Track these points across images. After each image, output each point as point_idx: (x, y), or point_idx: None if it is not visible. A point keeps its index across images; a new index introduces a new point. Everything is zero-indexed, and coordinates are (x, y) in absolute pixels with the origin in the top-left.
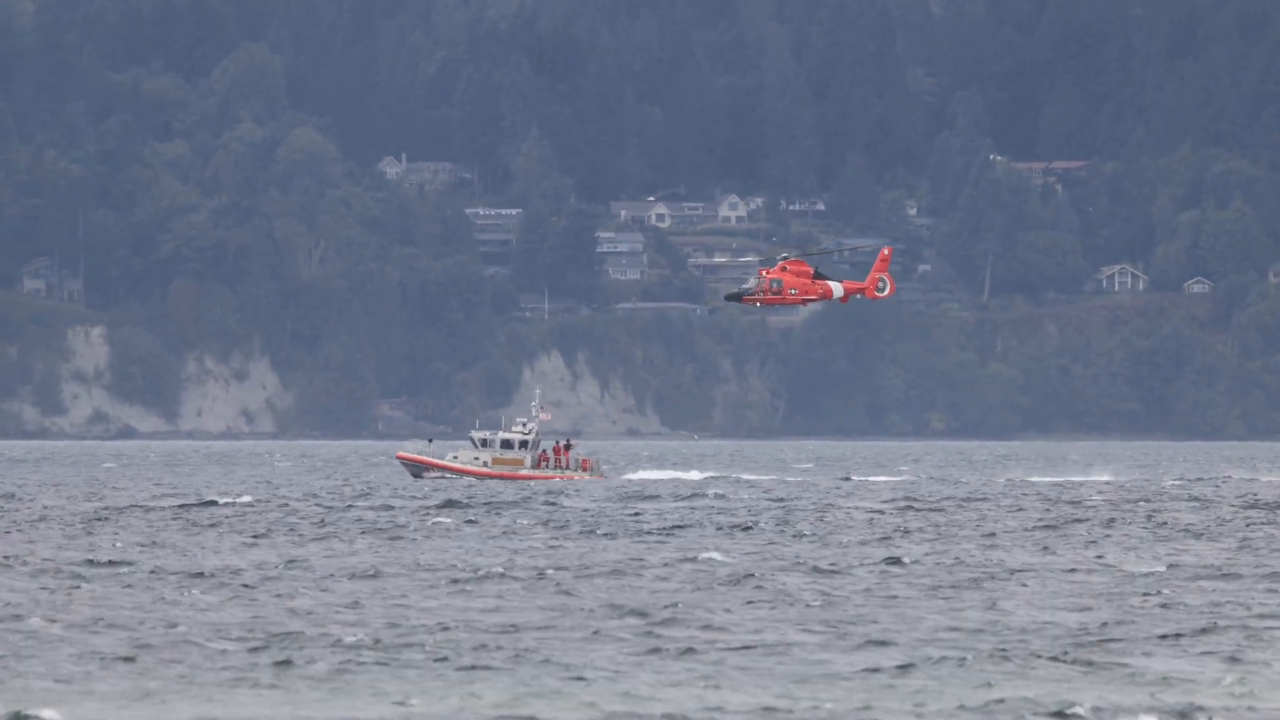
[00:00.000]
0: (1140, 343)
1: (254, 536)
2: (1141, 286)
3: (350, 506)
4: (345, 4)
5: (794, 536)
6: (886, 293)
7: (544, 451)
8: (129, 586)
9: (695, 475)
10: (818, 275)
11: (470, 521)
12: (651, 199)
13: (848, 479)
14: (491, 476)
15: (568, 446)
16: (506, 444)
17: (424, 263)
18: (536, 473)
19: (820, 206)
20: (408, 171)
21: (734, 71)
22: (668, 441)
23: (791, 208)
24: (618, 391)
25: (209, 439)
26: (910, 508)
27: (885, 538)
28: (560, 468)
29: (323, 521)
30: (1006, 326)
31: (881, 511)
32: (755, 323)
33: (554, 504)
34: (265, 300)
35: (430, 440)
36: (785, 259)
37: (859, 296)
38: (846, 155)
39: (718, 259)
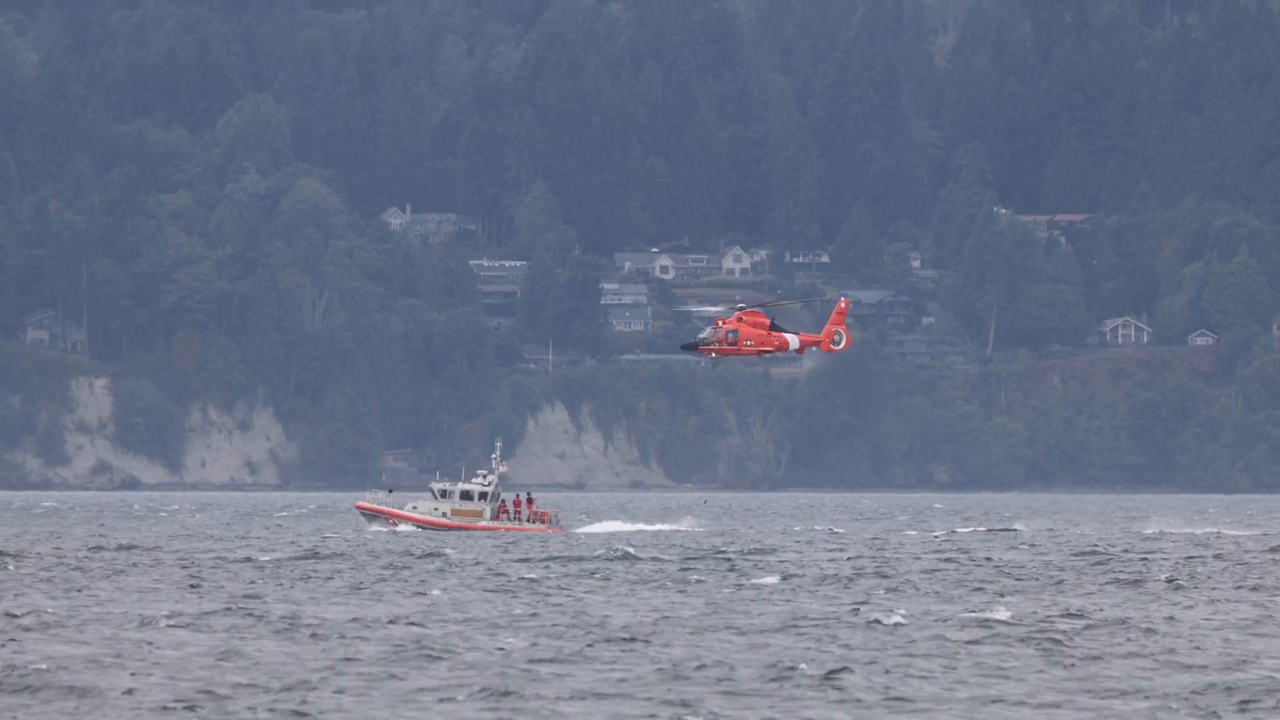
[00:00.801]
0: (1144, 395)
1: None
2: (1145, 339)
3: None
4: (349, 55)
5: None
6: (842, 345)
7: (503, 503)
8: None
9: (663, 527)
10: (774, 327)
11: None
12: (655, 250)
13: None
14: (450, 528)
15: (529, 499)
16: (466, 495)
17: (428, 314)
18: (496, 524)
19: (824, 258)
20: (412, 223)
21: (738, 123)
22: (671, 494)
23: (796, 259)
24: (621, 443)
25: (212, 490)
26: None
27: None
28: (519, 519)
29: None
30: (1010, 379)
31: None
32: (759, 375)
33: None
34: (269, 351)
35: (390, 490)
36: (742, 309)
37: (815, 349)
38: (851, 207)
39: (722, 311)
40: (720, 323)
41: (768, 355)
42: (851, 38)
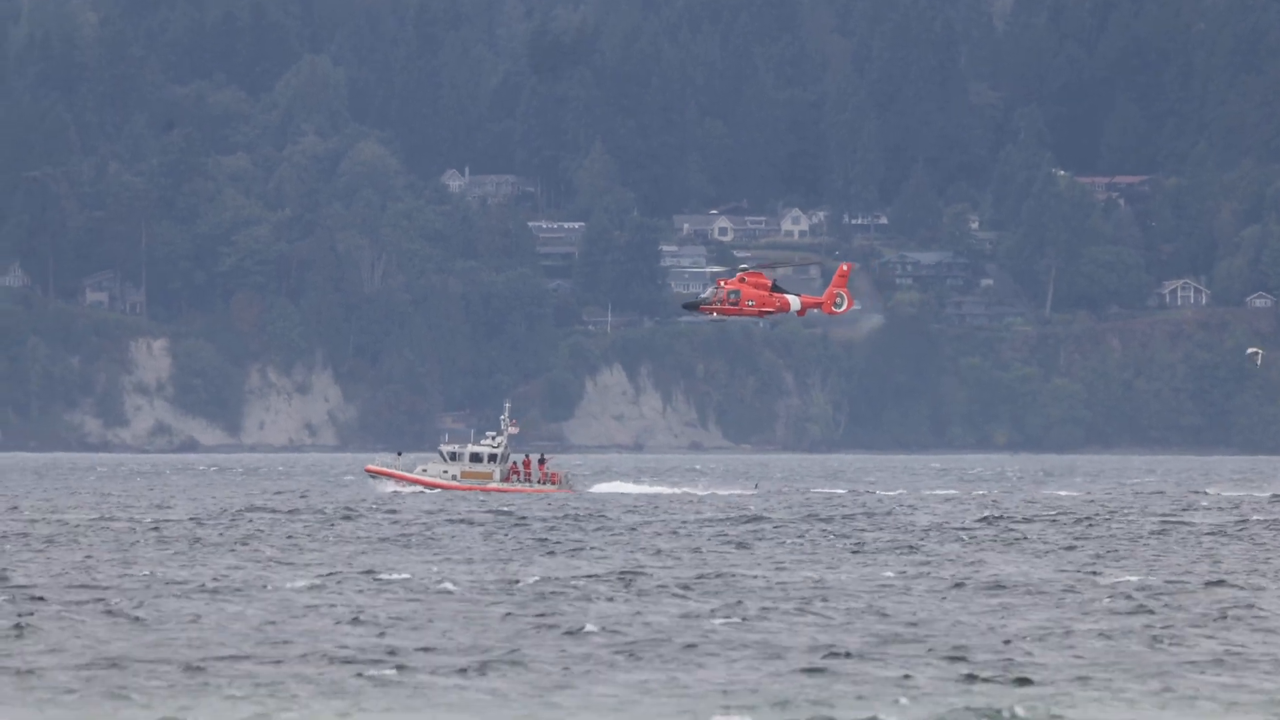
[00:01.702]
0: (1202, 357)
1: None
2: (1204, 301)
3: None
4: (408, 17)
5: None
6: (844, 308)
7: (514, 464)
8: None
9: (665, 489)
10: (775, 288)
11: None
12: (714, 212)
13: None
14: (460, 489)
15: (541, 461)
16: (475, 457)
17: (486, 276)
18: (506, 486)
19: (883, 220)
20: (470, 185)
21: (796, 85)
22: (729, 456)
23: (854, 221)
24: (680, 404)
25: (271, 452)
26: None
27: None
28: (530, 480)
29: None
30: (1069, 341)
31: None
32: (817, 336)
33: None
34: (328, 313)
35: (399, 453)
36: (744, 270)
37: (816, 311)
38: (909, 169)
39: (780, 272)
40: (722, 283)
41: (769, 316)
42: (909, 0)
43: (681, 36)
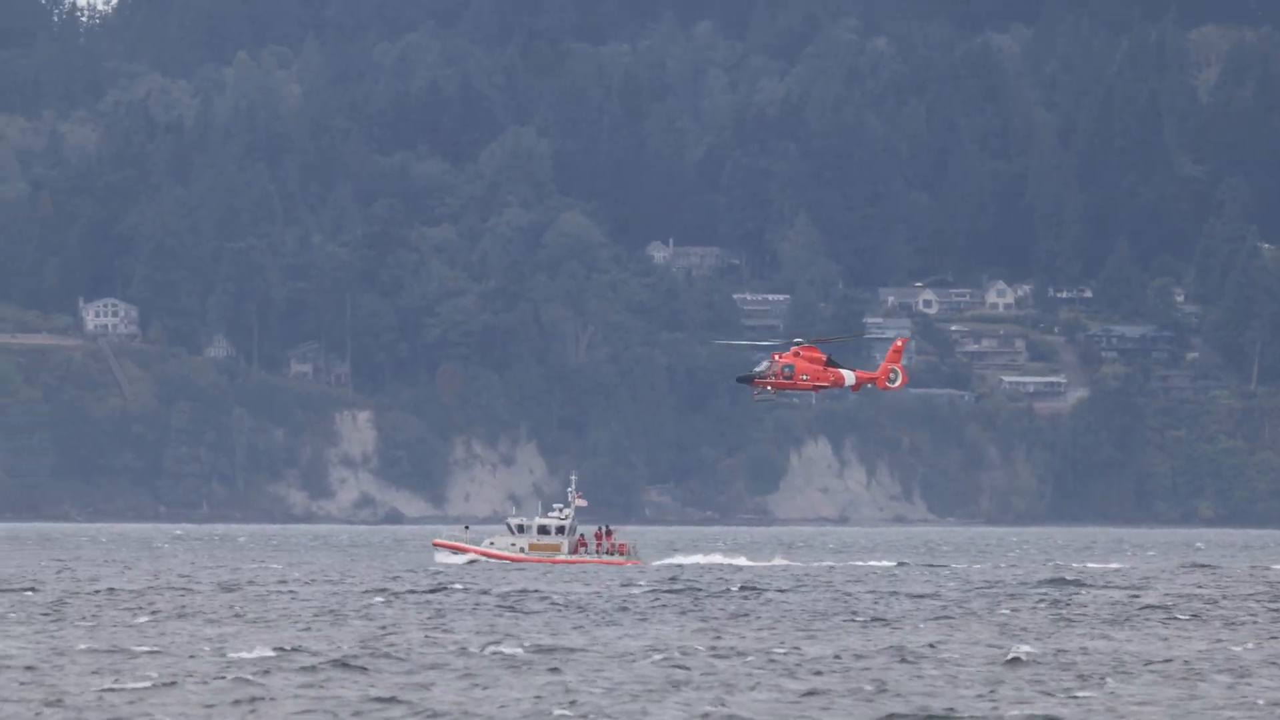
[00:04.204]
0: None
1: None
2: None
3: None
4: (613, 89)
5: None
6: (898, 383)
7: (582, 536)
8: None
9: (743, 561)
10: (830, 363)
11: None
12: (918, 285)
13: None
14: (528, 562)
15: (608, 532)
16: (543, 529)
17: (691, 348)
18: (574, 558)
19: (1087, 293)
20: (675, 256)
21: (1001, 157)
22: (934, 528)
23: (1058, 294)
24: (884, 478)
25: (476, 524)
26: None
27: None
28: (600, 552)
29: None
30: (1275, 414)
31: None
32: (1022, 410)
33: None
34: (532, 385)
35: (467, 527)
36: (799, 344)
37: (870, 386)
38: (1113, 242)
39: (985, 345)
40: (776, 357)
41: (821, 390)
42: (1114, 73)
43: (886, 108)
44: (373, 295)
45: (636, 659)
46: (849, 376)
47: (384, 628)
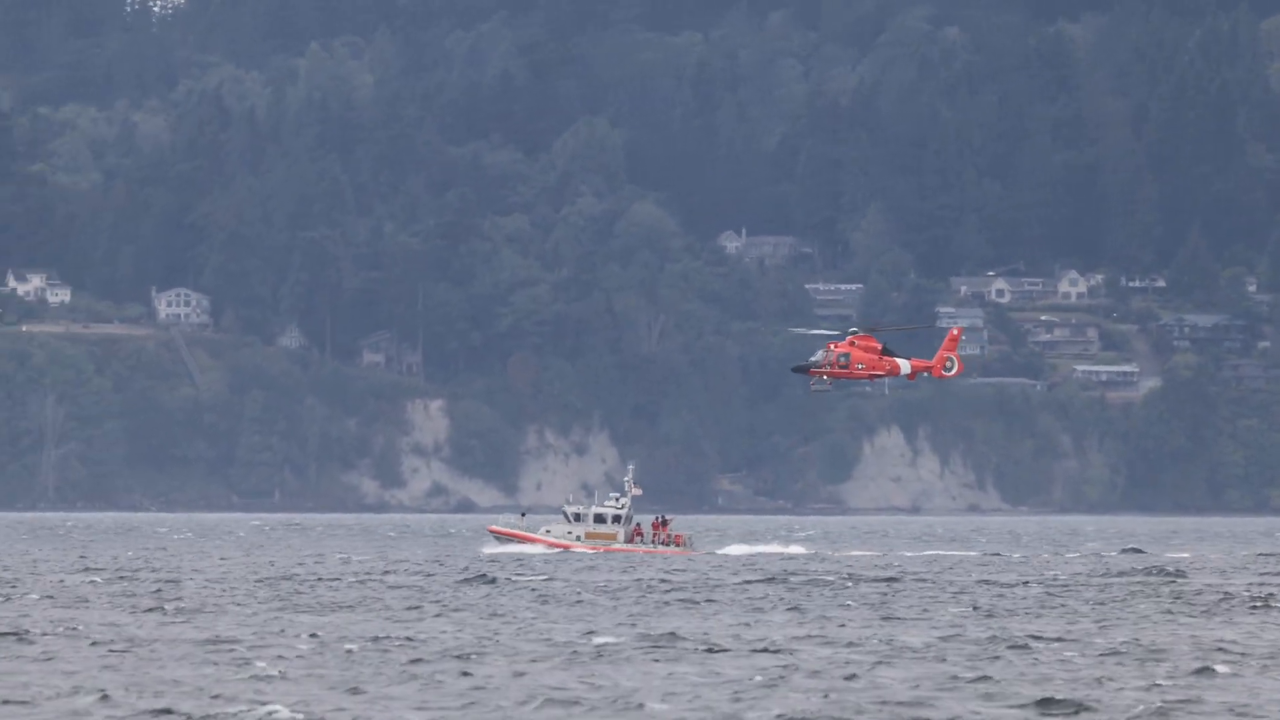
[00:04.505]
0: None
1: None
2: None
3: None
4: (685, 78)
5: None
6: (954, 372)
7: (638, 525)
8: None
9: (797, 549)
10: (885, 352)
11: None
12: (991, 274)
13: None
14: (583, 550)
15: (664, 521)
16: (599, 518)
17: (764, 337)
18: (629, 546)
19: (1160, 283)
20: (747, 246)
21: (1073, 147)
22: (1006, 518)
23: (1131, 283)
24: (957, 467)
25: (548, 512)
26: None
27: None
28: (655, 542)
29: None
30: None
31: None
32: (1095, 399)
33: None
34: (605, 374)
35: (523, 514)
36: (854, 334)
37: (926, 375)
38: (1186, 231)
39: (1058, 334)
40: (832, 346)
41: (877, 379)
42: (1187, 61)
43: (959, 97)
44: (445, 285)
45: (737, 653)
46: (905, 365)
47: (493, 613)
